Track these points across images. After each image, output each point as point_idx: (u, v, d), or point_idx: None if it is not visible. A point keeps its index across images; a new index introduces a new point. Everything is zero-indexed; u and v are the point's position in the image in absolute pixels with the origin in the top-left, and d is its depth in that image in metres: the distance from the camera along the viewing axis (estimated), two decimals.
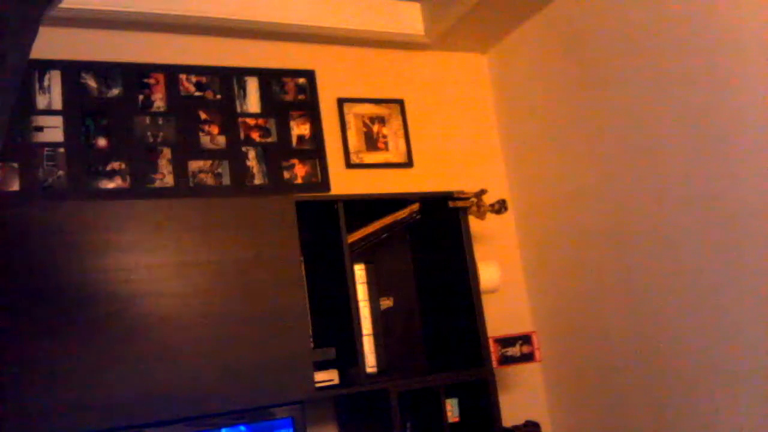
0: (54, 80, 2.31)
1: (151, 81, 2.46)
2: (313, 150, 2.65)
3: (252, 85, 2.62)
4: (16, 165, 2.20)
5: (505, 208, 2.44)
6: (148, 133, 2.41)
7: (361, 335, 2.13)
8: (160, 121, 2.43)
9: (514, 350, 2.34)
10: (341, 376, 2.14)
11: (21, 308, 1.73)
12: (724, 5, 1.98)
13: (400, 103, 2.87)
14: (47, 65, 2.31)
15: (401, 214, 2.44)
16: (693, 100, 2.09)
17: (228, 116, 2.54)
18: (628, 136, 2.35)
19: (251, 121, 2.57)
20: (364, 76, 2.85)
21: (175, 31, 2.54)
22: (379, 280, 2.48)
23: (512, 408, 2.67)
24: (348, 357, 2.14)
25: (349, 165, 2.71)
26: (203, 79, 2.54)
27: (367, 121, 2.79)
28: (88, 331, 1.78)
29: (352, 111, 2.77)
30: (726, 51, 1.97)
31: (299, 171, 2.60)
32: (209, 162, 2.47)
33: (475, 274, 2.32)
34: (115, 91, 2.40)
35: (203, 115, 2.51)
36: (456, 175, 2.90)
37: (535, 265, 2.86)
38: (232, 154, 2.51)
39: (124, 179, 2.33)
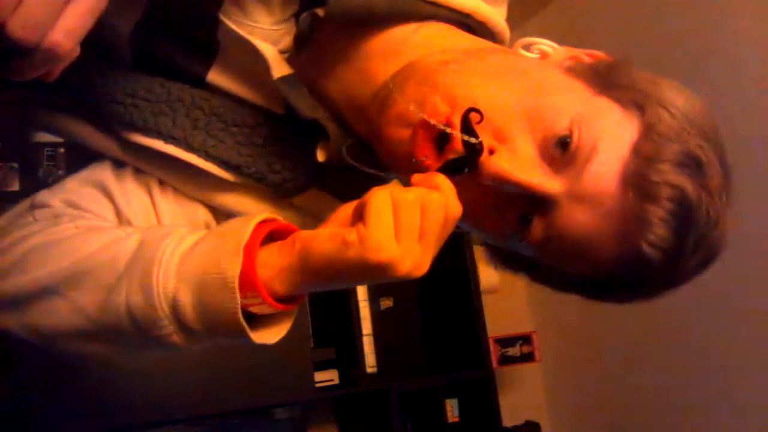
0: None
1: None
2: None
3: None
4: (16, 165, 2.20)
5: None
6: None
7: (361, 335, 2.13)
8: None
9: (514, 350, 2.34)
10: (341, 376, 2.14)
11: None
12: (725, 7, 1.98)
13: None
14: None
15: None
16: None
17: None
18: None
19: None
20: None
21: None
22: None
23: (512, 408, 2.67)
24: (348, 357, 2.14)
25: None
26: None
27: None
28: None
29: None
30: (727, 52, 1.97)
31: None
32: None
33: (475, 274, 2.32)
34: None
35: None
36: None
37: None
38: None
39: None
